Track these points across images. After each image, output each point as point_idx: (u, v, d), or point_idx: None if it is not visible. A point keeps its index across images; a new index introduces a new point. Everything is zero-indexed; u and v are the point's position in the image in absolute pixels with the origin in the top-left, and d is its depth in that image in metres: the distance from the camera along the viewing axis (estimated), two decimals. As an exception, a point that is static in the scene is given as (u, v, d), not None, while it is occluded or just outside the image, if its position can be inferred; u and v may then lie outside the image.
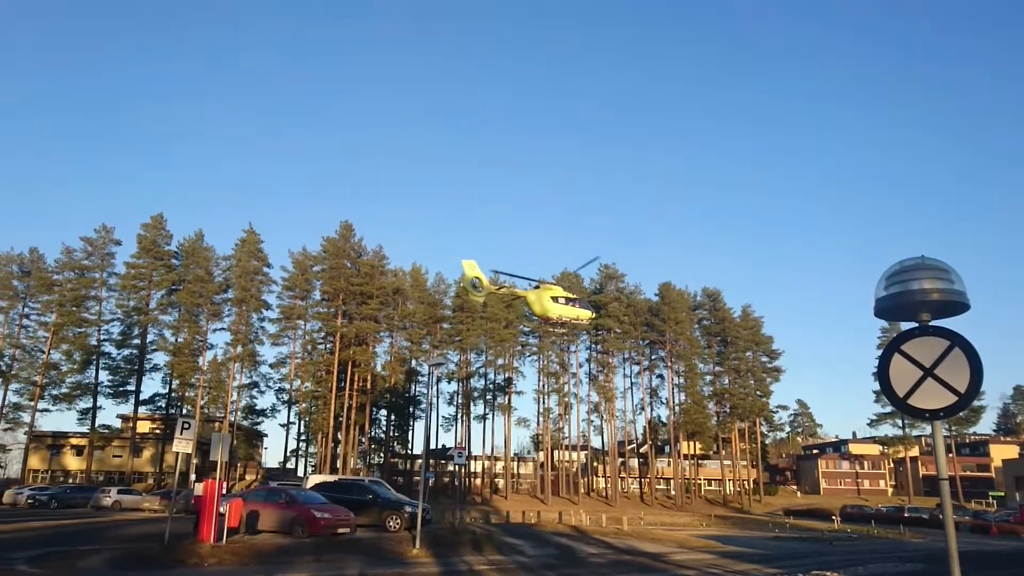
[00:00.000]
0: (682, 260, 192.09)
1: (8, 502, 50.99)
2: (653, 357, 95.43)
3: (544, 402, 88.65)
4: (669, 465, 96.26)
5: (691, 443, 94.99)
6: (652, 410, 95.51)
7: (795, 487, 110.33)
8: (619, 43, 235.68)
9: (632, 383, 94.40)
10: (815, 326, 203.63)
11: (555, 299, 35.61)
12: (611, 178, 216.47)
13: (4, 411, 74.43)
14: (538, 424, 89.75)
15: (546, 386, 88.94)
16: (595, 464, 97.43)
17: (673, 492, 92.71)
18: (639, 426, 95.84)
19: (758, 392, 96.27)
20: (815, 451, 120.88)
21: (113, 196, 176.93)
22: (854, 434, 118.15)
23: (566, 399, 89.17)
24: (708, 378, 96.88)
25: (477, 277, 36.11)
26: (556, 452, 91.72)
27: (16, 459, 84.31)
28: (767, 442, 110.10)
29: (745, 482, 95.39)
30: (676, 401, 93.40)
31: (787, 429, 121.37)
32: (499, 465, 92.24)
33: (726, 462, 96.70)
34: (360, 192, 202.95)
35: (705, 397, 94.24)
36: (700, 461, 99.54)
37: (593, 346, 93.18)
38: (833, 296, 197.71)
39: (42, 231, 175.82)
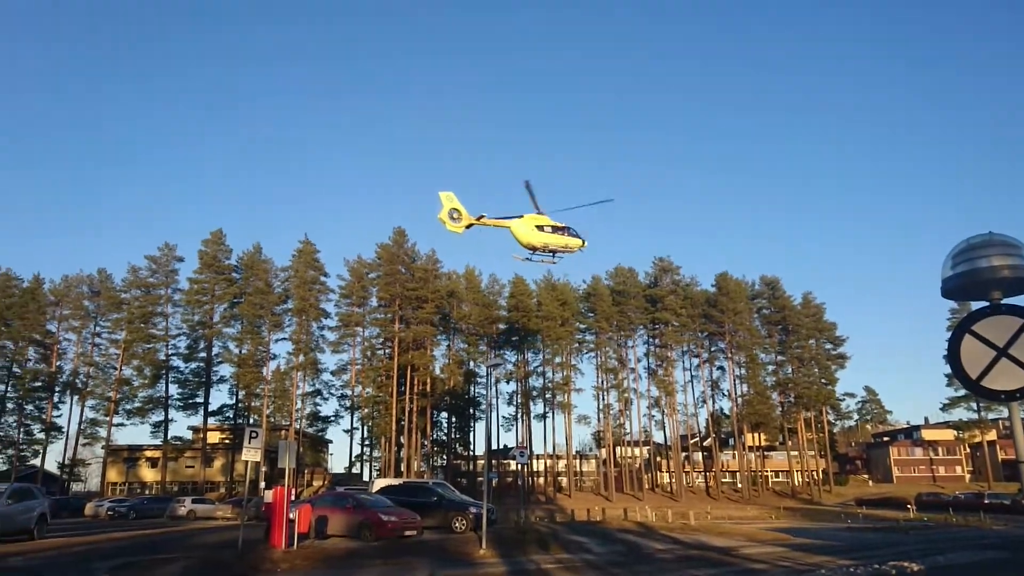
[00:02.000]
0: (738, 249, 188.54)
1: (90, 514, 52.93)
2: (713, 349, 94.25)
3: (604, 399, 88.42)
4: (734, 458, 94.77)
5: (756, 435, 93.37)
6: (714, 403, 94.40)
7: (866, 476, 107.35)
8: (689, 35, 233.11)
9: (692, 376, 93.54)
10: (880, 310, 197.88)
11: (540, 228, 34.74)
12: (661, 168, 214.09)
13: (82, 427, 77.49)
14: (598, 421, 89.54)
15: (605, 382, 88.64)
16: (658, 459, 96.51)
17: (739, 485, 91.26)
18: (701, 419, 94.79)
19: (823, 380, 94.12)
20: (886, 438, 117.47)
21: (173, 214, 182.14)
22: (926, 420, 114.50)
23: (626, 395, 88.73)
24: (770, 368, 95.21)
25: (455, 208, 34.27)
26: (618, 448, 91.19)
27: (95, 473, 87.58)
28: (835, 431, 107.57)
29: (814, 473, 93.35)
30: (738, 393, 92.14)
31: (855, 417, 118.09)
32: (561, 463, 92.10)
33: (793, 453, 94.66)
34: (411, 197, 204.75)
35: (768, 387, 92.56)
36: (766, 453, 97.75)
37: (651, 340, 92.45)
38: (897, 278, 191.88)
39: (109, 251, 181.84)
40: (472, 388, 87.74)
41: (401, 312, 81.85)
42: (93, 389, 78.28)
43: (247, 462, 22.15)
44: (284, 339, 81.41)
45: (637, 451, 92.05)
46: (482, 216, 34.62)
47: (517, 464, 70.48)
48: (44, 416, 78.57)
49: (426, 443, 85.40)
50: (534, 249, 35.09)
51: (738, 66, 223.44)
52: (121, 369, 78.20)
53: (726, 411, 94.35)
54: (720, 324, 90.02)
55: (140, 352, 77.80)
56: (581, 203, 35.60)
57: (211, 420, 79.48)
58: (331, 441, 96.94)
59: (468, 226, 34.49)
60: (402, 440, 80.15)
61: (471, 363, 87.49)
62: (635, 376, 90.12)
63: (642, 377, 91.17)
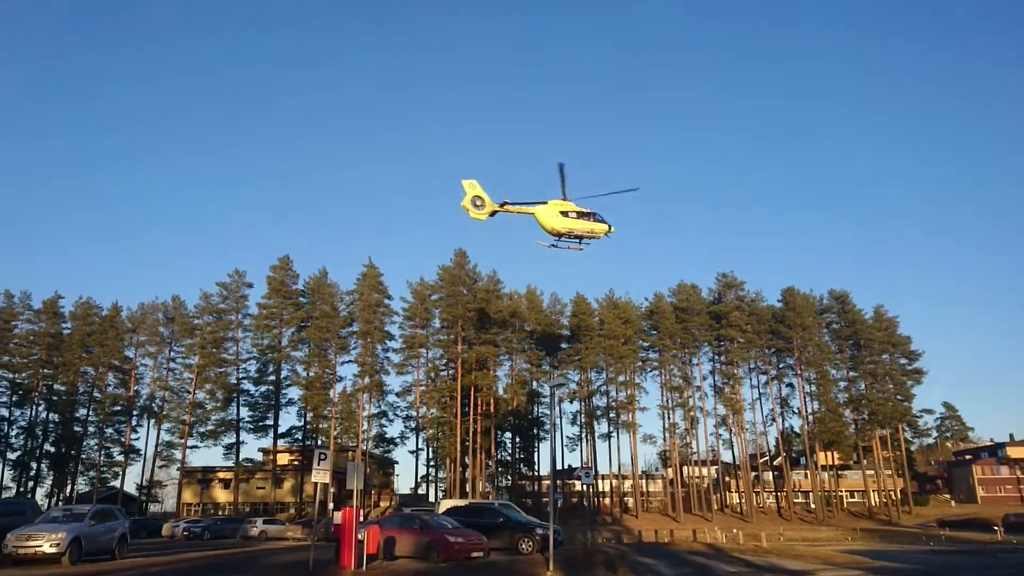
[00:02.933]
0: (804, 263, 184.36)
1: (166, 534, 54.48)
2: (781, 365, 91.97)
3: (669, 417, 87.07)
4: (806, 477, 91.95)
5: (828, 453, 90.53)
6: (784, 421, 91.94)
7: (948, 496, 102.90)
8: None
9: (760, 394, 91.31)
10: (957, 323, 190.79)
11: (565, 214, 34.25)
12: (722, 179, 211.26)
13: (159, 449, 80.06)
14: (664, 440, 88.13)
15: (670, 401, 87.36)
16: (727, 479, 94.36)
17: (813, 506, 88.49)
18: (771, 438, 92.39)
19: (898, 396, 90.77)
20: (968, 456, 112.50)
21: (242, 240, 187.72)
22: (1011, 436, 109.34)
23: (692, 413, 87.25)
24: (842, 384, 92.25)
25: (478, 196, 34.00)
26: (685, 468, 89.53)
27: (171, 494, 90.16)
28: (912, 449, 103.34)
29: (891, 493, 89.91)
30: (809, 410, 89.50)
31: (934, 434, 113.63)
32: (627, 483, 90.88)
33: (868, 472, 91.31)
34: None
35: (840, 404, 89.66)
36: (840, 472, 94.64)
37: (716, 357, 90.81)
38: (975, 291, 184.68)
39: (182, 278, 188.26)
40: (535, 408, 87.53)
41: (464, 333, 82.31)
42: (168, 413, 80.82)
43: (316, 484, 22.51)
44: (350, 361, 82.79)
45: (705, 471, 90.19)
46: (505, 202, 34.37)
47: (582, 484, 69.84)
48: (123, 439, 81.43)
49: (490, 463, 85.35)
50: (559, 235, 34.74)
51: (805, 66, 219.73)
52: (195, 393, 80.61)
53: (796, 429, 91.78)
54: (788, 340, 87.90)
55: (212, 376, 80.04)
56: (607, 191, 34.54)
57: (280, 442, 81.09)
58: (397, 462, 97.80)
59: (492, 214, 34.31)
60: (467, 461, 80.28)
61: (534, 383, 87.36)
62: (701, 394, 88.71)
63: (708, 395, 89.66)
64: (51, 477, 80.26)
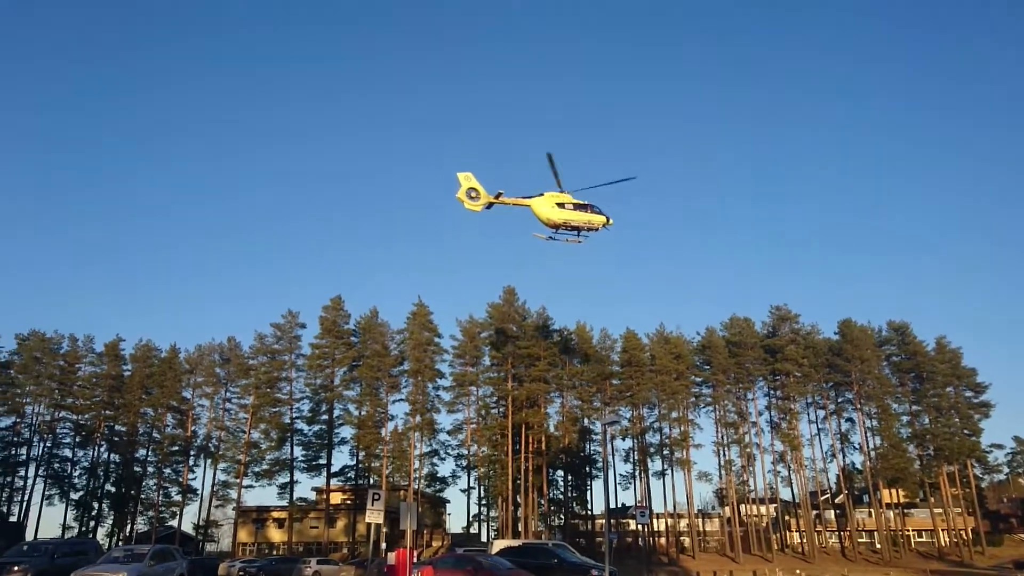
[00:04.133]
0: (859, 293, 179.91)
1: (223, 574, 54.85)
2: (840, 400, 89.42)
3: (725, 454, 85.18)
4: (870, 516, 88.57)
5: (893, 491, 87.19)
6: (844, 457, 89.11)
7: None
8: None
9: (819, 429, 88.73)
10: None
11: (561, 205, 33.97)
12: (774, 214, 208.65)
13: (215, 489, 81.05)
14: (720, 478, 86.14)
15: (725, 437, 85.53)
16: (787, 518, 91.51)
17: (878, 546, 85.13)
18: (831, 475, 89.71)
19: (965, 431, 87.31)
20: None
21: (295, 281, 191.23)
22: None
23: (748, 450, 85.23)
24: (905, 419, 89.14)
25: (473, 188, 34.00)
26: (742, 506, 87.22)
27: (227, 533, 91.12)
28: (983, 486, 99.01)
29: (962, 532, 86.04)
30: (871, 446, 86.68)
31: (1005, 470, 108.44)
32: (683, 522, 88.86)
33: (936, 510, 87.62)
34: (518, 256, 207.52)
35: (903, 439, 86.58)
36: (906, 510, 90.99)
37: (772, 392, 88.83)
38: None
39: (237, 320, 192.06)
40: (587, 445, 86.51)
41: (514, 370, 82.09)
42: (224, 452, 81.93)
43: (370, 523, 22.50)
44: (401, 400, 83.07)
45: (763, 509, 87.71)
46: (500, 194, 34.35)
47: (637, 524, 68.60)
48: (181, 479, 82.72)
49: (542, 502, 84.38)
50: (556, 227, 34.62)
51: (859, 87, 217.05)
52: (249, 432, 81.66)
53: (858, 466, 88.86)
54: (846, 373, 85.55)
55: (267, 416, 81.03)
56: (602, 182, 34.17)
57: (333, 481, 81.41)
58: (449, 501, 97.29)
59: (489, 206, 34.33)
60: (518, 499, 79.49)
61: (585, 420, 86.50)
62: (757, 430, 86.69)
63: (764, 431, 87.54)
64: (112, 517, 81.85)
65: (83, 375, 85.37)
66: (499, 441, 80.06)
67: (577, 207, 34.54)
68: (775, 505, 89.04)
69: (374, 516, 21.51)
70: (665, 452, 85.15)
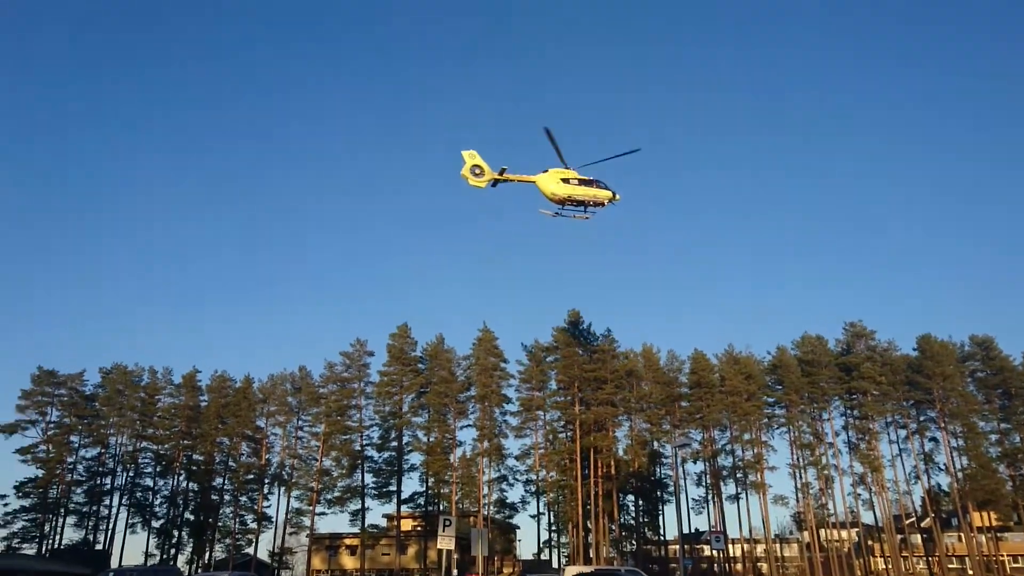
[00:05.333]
0: (938, 307, 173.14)
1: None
2: (921, 419, 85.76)
3: (801, 477, 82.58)
4: (960, 540, 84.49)
5: (984, 513, 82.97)
6: (929, 478, 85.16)
7: None
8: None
9: (900, 449, 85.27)
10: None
11: (566, 181, 33.89)
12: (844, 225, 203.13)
13: (289, 516, 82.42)
14: (798, 501, 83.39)
15: (801, 459, 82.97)
16: (869, 542, 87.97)
17: (970, 572, 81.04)
18: (916, 497, 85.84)
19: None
20: None
21: (362, 310, 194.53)
22: None
23: (825, 472, 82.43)
24: (993, 437, 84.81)
25: (477, 165, 34.21)
26: (822, 531, 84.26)
27: (300, 560, 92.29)
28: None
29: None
30: (957, 466, 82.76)
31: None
32: (760, 548, 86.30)
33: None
34: (582, 279, 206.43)
35: (993, 459, 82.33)
36: (999, 534, 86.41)
37: (848, 412, 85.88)
38: None
39: (308, 349, 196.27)
40: (658, 469, 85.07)
41: (580, 394, 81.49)
42: (297, 480, 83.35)
43: (441, 549, 22.50)
44: (469, 426, 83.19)
45: (844, 534, 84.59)
46: (504, 170, 34.48)
47: (712, 549, 66.91)
48: (256, 507, 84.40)
49: (613, 527, 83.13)
50: (561, 203, 34.62)
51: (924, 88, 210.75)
52: (321, 460, 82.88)
53: (944, 487, 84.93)
54: (927, 391, 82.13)
55: (338, 443, 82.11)
56: (608, 155, 33.77)
57: (404, 508, 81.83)
58: (518, 527, 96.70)
59: (494, 184, 34.40)
60: (589, 525, 78.50)
61: (655, 443, 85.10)
62: (834, 451, 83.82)
63: (842, 452, 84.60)
64: (191, 544, 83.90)
65: (162, 406, 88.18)
66: (567, 466, 79.36)
67: (582, 183, 34.73)
68: (857, 529, 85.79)
69: (445, 542, 21.52)
70: (739, 475, 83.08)
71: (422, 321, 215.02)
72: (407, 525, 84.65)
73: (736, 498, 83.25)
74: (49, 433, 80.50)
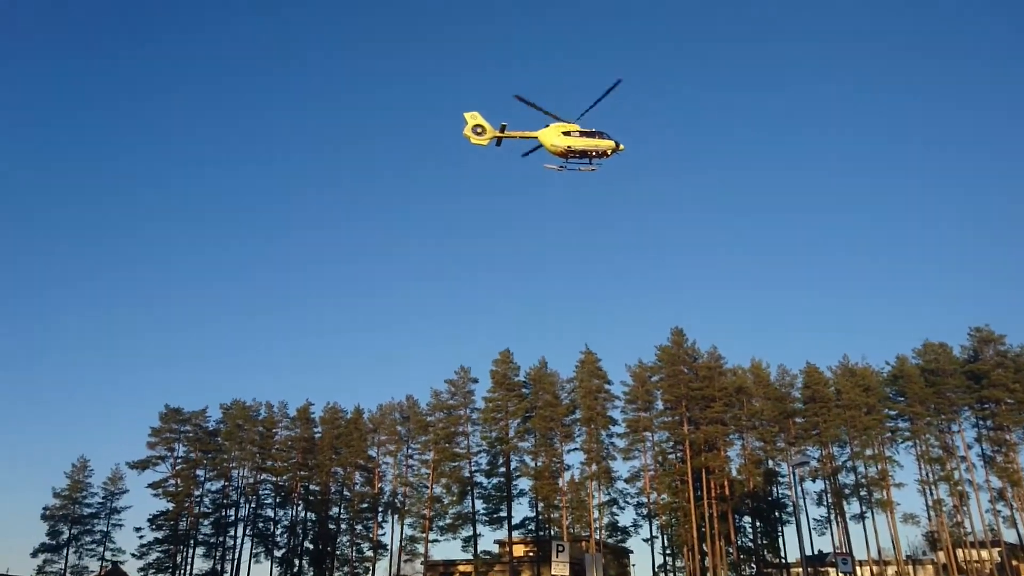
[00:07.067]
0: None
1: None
2: (1066, 426, 79.39)
3: (932, 493, 77.82)
4: (1121, 559, 77.49)
5: None
6: (1081, 491, 78.55)
7: None
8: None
9: (1043, 461, 79.02)
10: None
11: (567, 134, 33.88)
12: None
13: (403, 544, 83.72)
14: (929, 519, 78.59)
15: (930, 475, 78.25)
16: (1014, 563, 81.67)
17: None
18: (1066, 512, 79.13)
19: None
20: None
21: (465, 338, 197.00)
22: None
23: (959, 488, 77.42)
24: None
25: (479, 124, 34.06)
26: (959, 551, 78.87)
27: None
28: None
29: None
30: (1113, 478, 75.99)
31: None
32: (891, 570, 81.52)
33: None
34: (683, 294, 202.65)
35: None
36: None
37: (981, 422, 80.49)
38: None
39: (414, 378, 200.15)
40: (774, 488, 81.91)
41: (689, 413, 79.70)
42: (410, 508, 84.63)
43: (555, 575, 22.23)
44: (576, 449, 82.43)
45: (985, 553, 78.83)
46: (504, 127, 34.29)
47: (839, 572, 63.65)
48: (371, 535, 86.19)
49: (731, 550, 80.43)
50: (564, 156, 34.56)
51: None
52: (432, 487, 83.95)
53: (1099, 501, 78.11)
54: (1070, 396, 76.10)
55: (447, 470, 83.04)
56: (595, 99, 33.67)
57: (515, 533, 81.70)
58: (632, 551, 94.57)
59: (498, 142, 34.64)
60: (705, 548, 76.26)
61: (769, 461, 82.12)
62: (968, 465, 78.55)
63: (977, 466, 79.08)
64: (311, 572, 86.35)
65: (280, 439, 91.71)
66: (679, 487, 77.55)
67: (583, 134, 34.76)
68: (999, 549, 79.83)
69: (559, 568, 21.29)
70: (862, 493, 79.01)
71: (523, 346, 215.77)
72: (519, 551, 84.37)
73: (861, 517, 79.20)
74: (177, 468, 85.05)
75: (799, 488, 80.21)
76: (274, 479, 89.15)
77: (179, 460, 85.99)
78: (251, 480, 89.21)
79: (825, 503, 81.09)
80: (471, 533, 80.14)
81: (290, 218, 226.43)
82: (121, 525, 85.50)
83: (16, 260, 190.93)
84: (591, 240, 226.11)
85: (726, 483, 78.12)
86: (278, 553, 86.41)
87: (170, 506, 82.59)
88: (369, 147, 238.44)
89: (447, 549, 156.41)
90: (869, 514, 78.72)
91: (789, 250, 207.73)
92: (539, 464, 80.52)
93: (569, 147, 34.86)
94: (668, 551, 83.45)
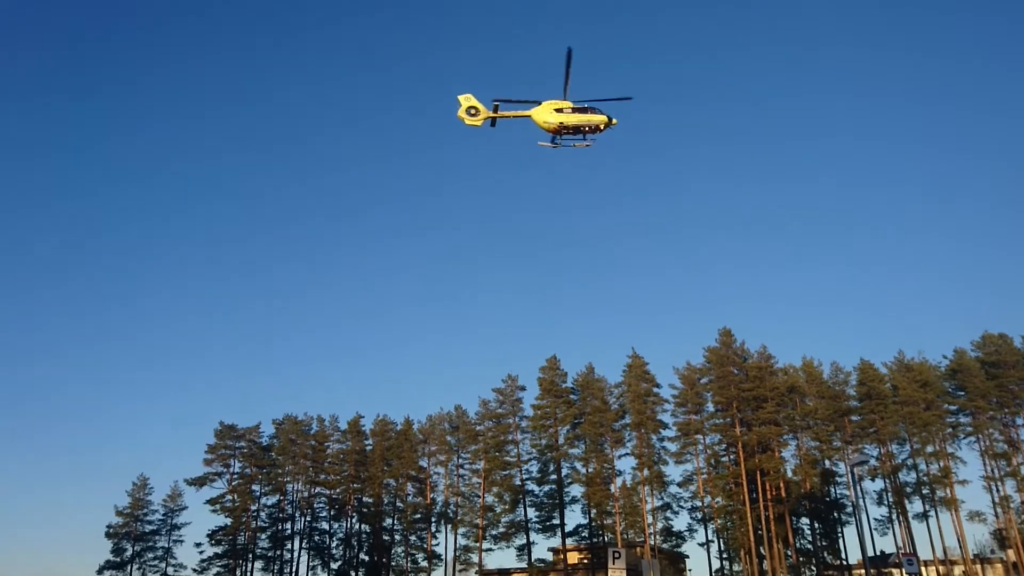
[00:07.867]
0: None
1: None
2: None
3: (999, 490, 75.39)
4: None
5: None
6: None
7: None
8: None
9: (1115, 453, 76.16)
10: None
11: (559, 111, 33.98)
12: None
13: (457, 553, 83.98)
14: (997, 517, 76.08)
15: (996, 471, 75.86)
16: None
17: None
18: None
19: None
20: None
21: (509, 345, 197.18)
22: None
23: (1027, 483, 74.81)
24: None
25: (472, 106, 34.43)
26: (1030, 549, 76.18)
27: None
28: None
29: None
30: None
31: None
32: (957, 569, 79.12)
33: None
34: (729, 294, 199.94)
35: None
36: None
37: (1047, 415, 77.88)
38: None
39: (463, 388, 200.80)
40: (832, 489, 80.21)
41: (740, 415, 78.58)
42: (462, 518, 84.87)
43: (613, 584, 22.04)
44: (627, 454, 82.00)
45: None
46: (497, 106, 34.45)
47: (904, 573, 61.92)
48: (425, 545, 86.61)
49: (789, 553, 78.90)
50: (557, 132, 34.61)
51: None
52: (483, 496, 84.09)
53: None
54: None
55: (498, 479, 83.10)
56: (601, 97, 34.44)
57: (568, 540, 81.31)
58: (687, 556, 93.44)
59: (492, 122, 34.89)
60: (762, 551, 74.99)
61: (826, 461, 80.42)
62: (1035, 459, 75.95)
63: (1045, 459, 76.47)
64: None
65: (332, 452, 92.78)
66: (734, 490, 76.46)
67: (576, 110, 34.82)
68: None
69: (617, 574, 21.08)
70: (924, 491, 76.92)
71: (570, 352, 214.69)
72: (573, 558, 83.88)
73: (924, 516, 77.10)
74: (233, 483, 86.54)
75: (858, 488, 78.22)
76: (328, 492, 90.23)
77: (235, 476, 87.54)
78: (305, 494, 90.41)
79: (886, 502, 79.32)
80: (524, 541, 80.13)
81: (340, 236, 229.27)
82: (182, 541, 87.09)
83: (77, 278, 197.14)
84: (626, 242, 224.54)
85: (782, 484, 76.76)
86: (334, 565, 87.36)
87: (228, 521, 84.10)
88: (438, 155, 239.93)
89: (501, 558, 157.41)
90: (932, 513, 76.66)
91: (836, 246, 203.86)
92: (590, 470, 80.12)
93: (562, 123, 35.05)
94: (725, 555, 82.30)
